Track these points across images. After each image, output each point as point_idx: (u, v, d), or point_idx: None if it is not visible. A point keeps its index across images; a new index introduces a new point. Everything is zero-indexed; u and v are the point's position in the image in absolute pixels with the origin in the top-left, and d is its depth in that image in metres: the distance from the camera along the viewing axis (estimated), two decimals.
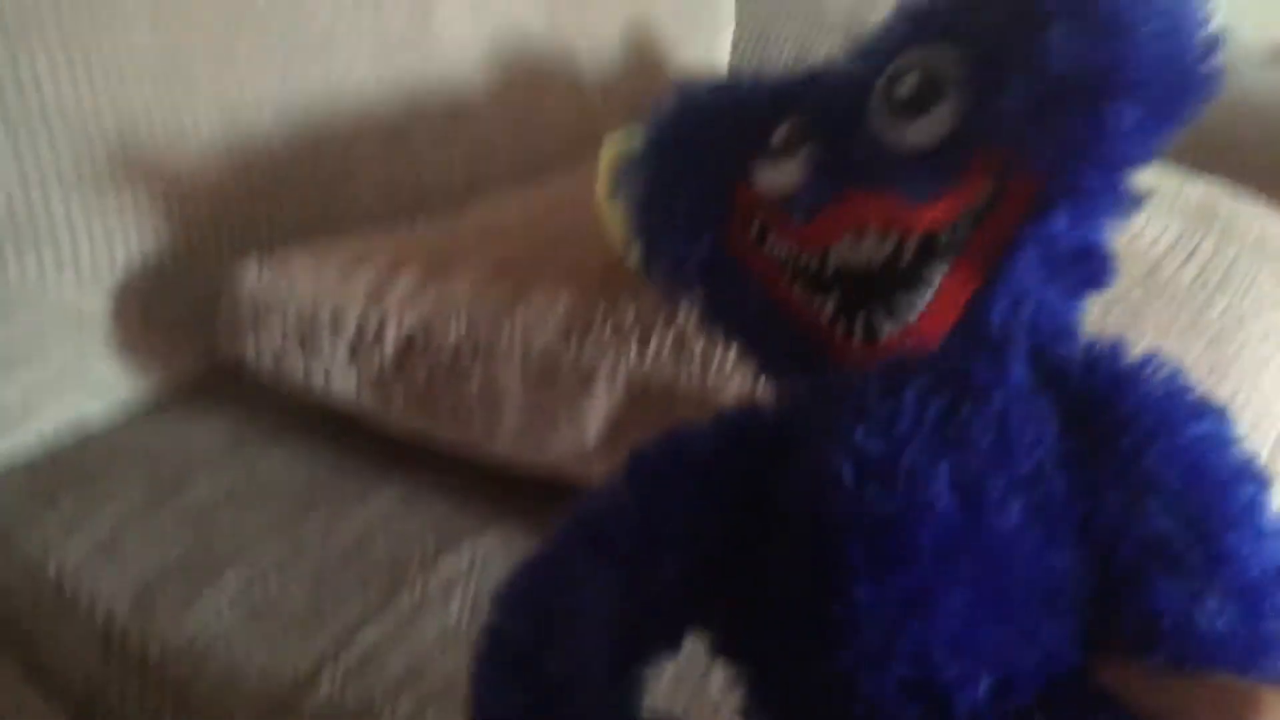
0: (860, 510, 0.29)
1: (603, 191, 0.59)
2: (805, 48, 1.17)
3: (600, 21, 1.01)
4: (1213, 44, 0.29)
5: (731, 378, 0.56)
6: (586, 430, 0.60)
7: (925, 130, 0.31)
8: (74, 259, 0.66)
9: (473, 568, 0.60)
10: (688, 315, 0.59)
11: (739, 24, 1.20)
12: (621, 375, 0.58)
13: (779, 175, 0.34)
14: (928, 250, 0.32)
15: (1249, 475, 0.31)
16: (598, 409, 0.59)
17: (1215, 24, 0.29)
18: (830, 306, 0.33)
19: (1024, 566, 0.29)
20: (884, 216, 0.32)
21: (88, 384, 0.69)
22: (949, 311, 0.32)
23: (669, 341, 0.58)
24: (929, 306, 0.32)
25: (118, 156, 0.67)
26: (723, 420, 0.36)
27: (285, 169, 0.76)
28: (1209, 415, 0.32)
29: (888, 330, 0.32)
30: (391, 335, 0.62)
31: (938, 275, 0.32)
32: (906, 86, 0.31)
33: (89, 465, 0.66)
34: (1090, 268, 0.32)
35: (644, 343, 0.58)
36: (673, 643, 0.35)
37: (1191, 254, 0.66)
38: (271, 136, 0.75)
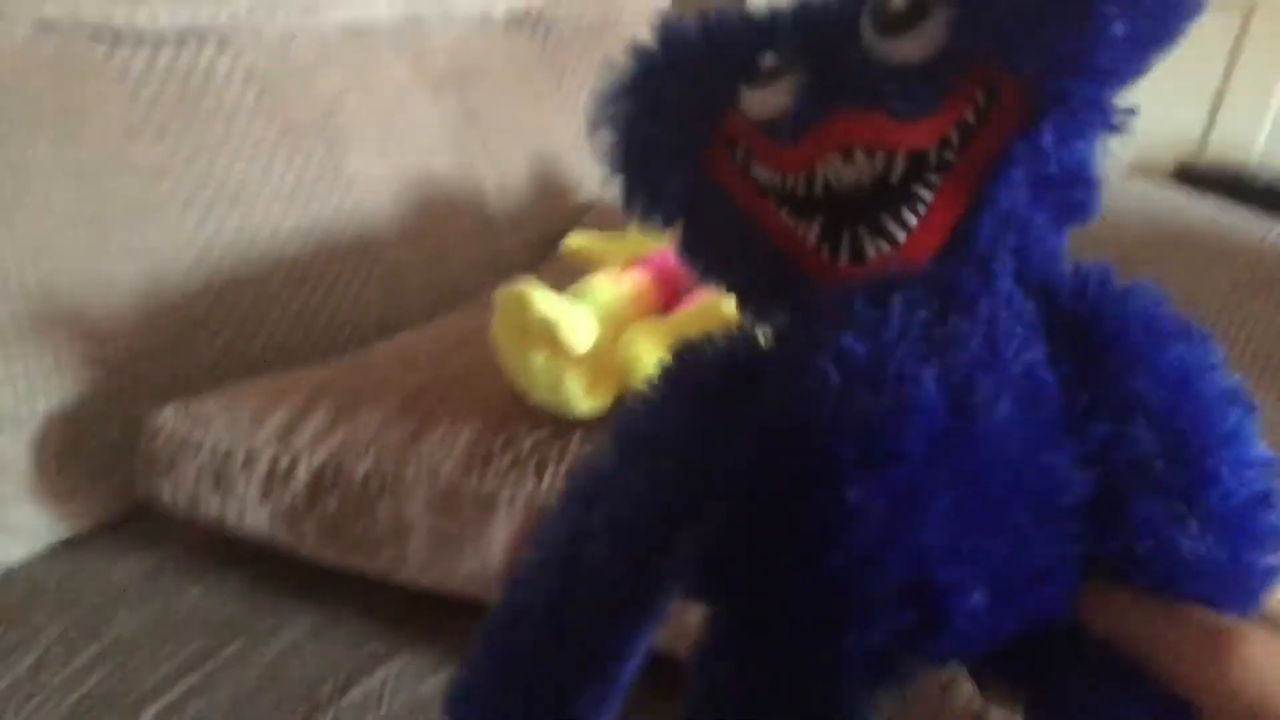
0: (847, 413, 0.29)
1: (497, 329, 0.63)
2: None
3: (505, 157, 1.07)
4: None
5: None
6: (490, 555, 0.63)
7: (914, 46, 0.31)
8: None
9: (384, 690, 0.63)
10: (580, 443, 0.63)
11: None
12: (520, 502, 0.62)
13: (765, 100, 0.33)
14: (917, 169, 0.31)
15: (1236, 398, 0.31)
16: (499, 535, 0.63)
17: None
18: (816, 229, 0.33)
19: (1014, 465, 0.29)
20: (872, 135, 0.31)
21: (8, 528, 0.71)
22: (937, 232, 0.32)
23: (563, 470, 0.62)
24: (917, 226, 0.31)
25: (39, 309, 0.70)
26: (716, 346, 0.35)
27: (201, 313, 0.79)
28: (1196, 338, 0.31)
29: (874, 251, 0.32)
30: (302, 472, 0.65)
31: (927, 194, 0.31)
32: (895, 2, 0.31)
33: (9, 604, 0.68)
34: (1077, 192, 0.32)
35: (540, 472, 0.62)
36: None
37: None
38: (188, 283, 0.79)
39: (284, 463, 0.65)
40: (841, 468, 0.28)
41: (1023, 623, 0.29)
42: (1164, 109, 1.46)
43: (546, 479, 0.62)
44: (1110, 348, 0.31)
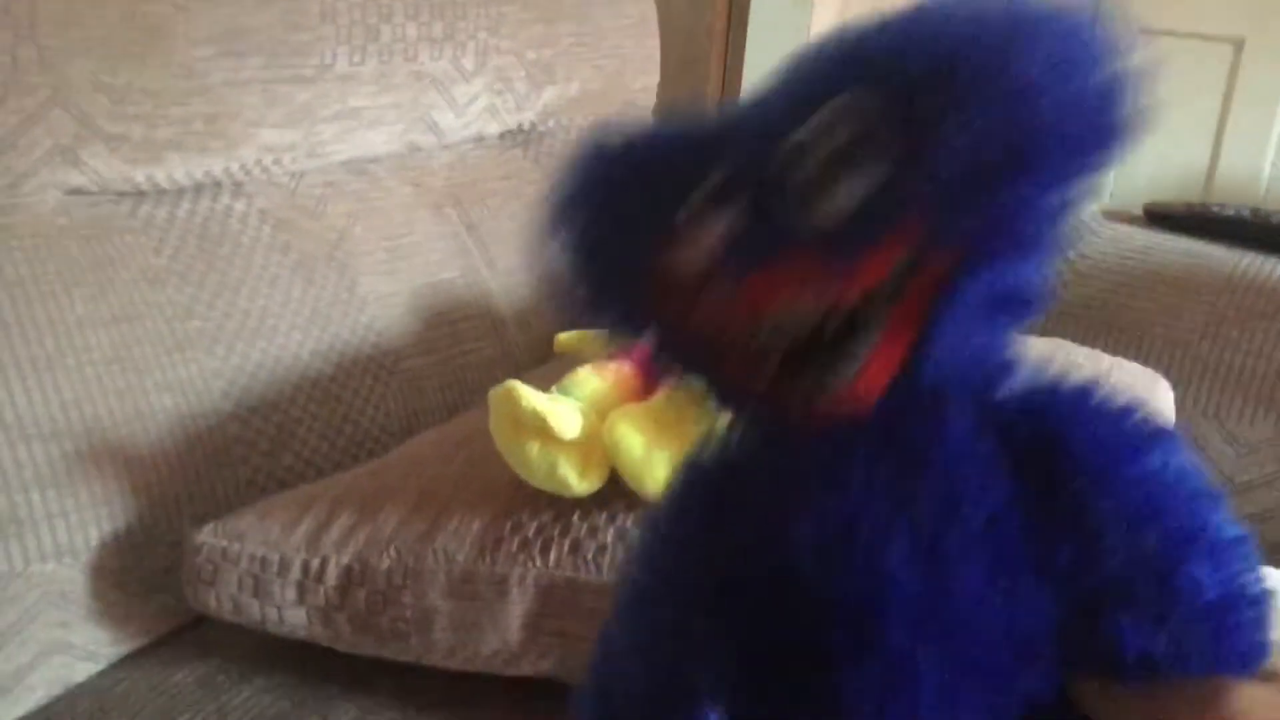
0: (826, 599, 0.30)
1: (493, 424, 0.70)
2: None
3: (507, 263, 1.14)
4: (1118, 90, 0.29)
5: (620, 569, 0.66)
6: (509, 633, 0.69)
7: (843, 197, 0.29)
8: (54, 545, 0.76)
9: None
10: (581, 518, 0.69)
11: None
12: (530, 580, 0.68)
13: (698, 243, 0.31)
14: (863, 309, 0.31)
15: (1202, 498, 0.31)
16: (515, 612, 0.68)
17: (1116, 67, 0.29)
18: (768, 372, 0.32)
19: (992, 624, 0.30)
20: (813, 279, 0.30)
21: (73, 649, 0.77)
22: (887, 367, 0.31)
23: (566, 547, 0.68)
24: (866, 364, 0.31)
25: (85, 448, 0.78)
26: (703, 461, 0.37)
27: (233, 437, 0.86)
28: (1156, 444, 0.31)
29: (827, 391, 0.31)
30: (331, 572, 0.71)
31: (874, 333, 0.31)
32: (819, 155, 0.29)
33: (78, 718, 0.74)
34: (1022, 305, 0.32)
35: (545, 550, 0.68)
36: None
37: None
38: (219, 411, 0.86)
39: (314, 565, 0.72)
40: (831, 652, 0.30)
41: None
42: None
43: (552, 556, 0.68)
44: (1075, 471, 0.31)
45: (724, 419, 0.37)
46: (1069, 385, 0.33)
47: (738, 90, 1.98)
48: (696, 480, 0.37)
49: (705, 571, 0.35)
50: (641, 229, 0.32)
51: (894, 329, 0.31)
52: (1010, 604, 0.30)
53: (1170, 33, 1.65)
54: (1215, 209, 1.12)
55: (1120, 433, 0.32)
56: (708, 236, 0.31)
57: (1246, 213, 1.09)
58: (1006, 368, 0.33)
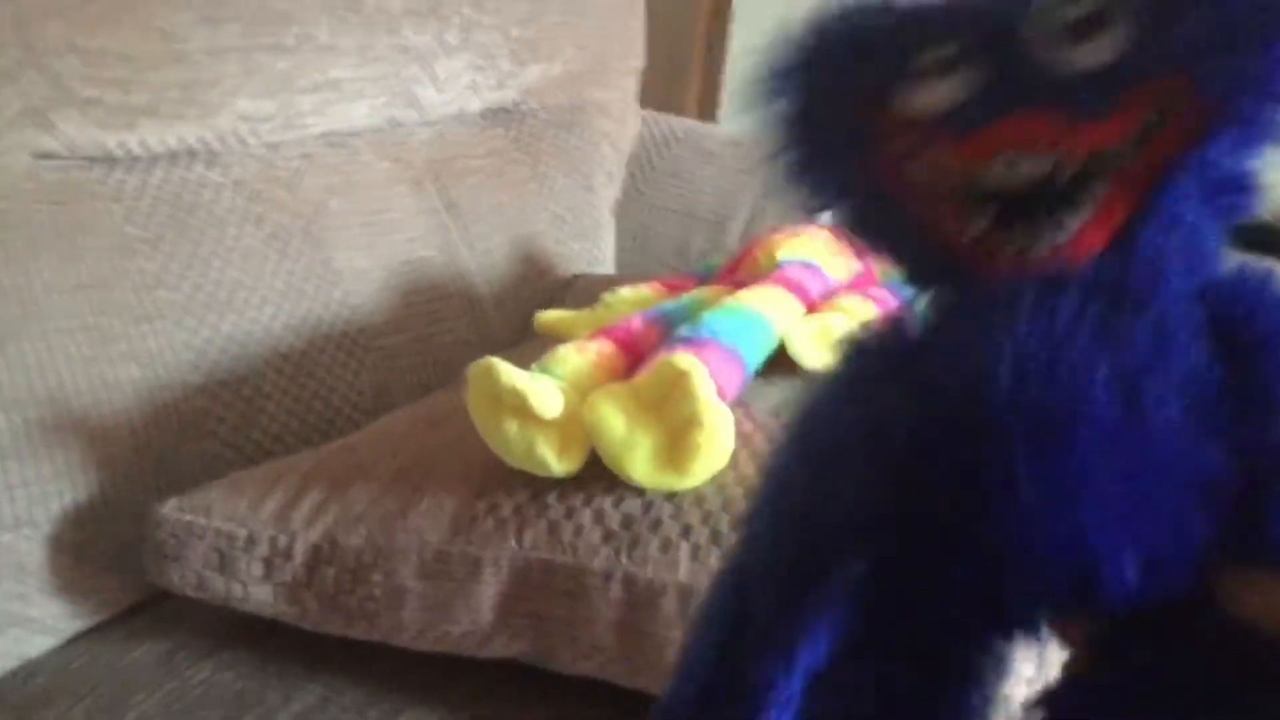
0: (1020, 403, 0.29)
1: (471, 402, 0.68)
2: (684, 243, 1.30)
3: (486, 242, 1.12)
4: None
5: (598, 551, 0.65)
6: (481, 614, 0.67)
7: (1093, 54, 0.31)
8: (13, 516, 0.74)
9: None
10: (558, 499, 0.68)
11: (619, 228, 1.32)
12: (505, 561, 0.66)
13: (932, 95, 0.33)
14: (1087, 171, 0.31)
15: None
16: (488, 593, 0.67)
17: None
18: (981, 225, 0.33)
19: (1179, 463, 0.29)
20: (1044, 136, 0.31)
21: (31, 622, 0.75)
22: (1103, 232, 0.32)
23: (543, 528, 0.66)
24: (1084, 225, 0.31)
25: (48, 417, 0.75)
26: (875, 335, 0.36)
27: (201, 410, 0.84)
28: None
29: (1038, 250, 0.32)
30: (300, 549, 0.69)
31: (1097, 195, 0.31)
32: (1077, 10, 0.31)
33: (34, 694, 0.72)
34: (1241, 195, 0.32)
35: (521, 531, 0.67)
36: None
37: None
38: (187, 383, 0.84)
39: (282, 541, 0.70)
40: (1012, 451, 0.29)
41: (1161, 596, 0.30)
42: None
43: (527, 538, 0.66)
44: (1260, 352, 0.31)
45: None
46: (1275, 277, 0.33)
47: (722, 74, 1.97)
48: (869, 355, 0.36)
49: (871, 426, 0.33)
50: (864, 87, 0.33)
51: (1116, 195, 0.31)
52: (1199, 457, 0.30)
53: None
54: None
55: None
56: (949, 82, 0.32)
57: None
58: (1215, 253, 0.33)
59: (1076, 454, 0.29)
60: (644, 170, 1.35)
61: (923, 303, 0.35)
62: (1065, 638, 0.33)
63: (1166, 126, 0.31)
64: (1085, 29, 0.30)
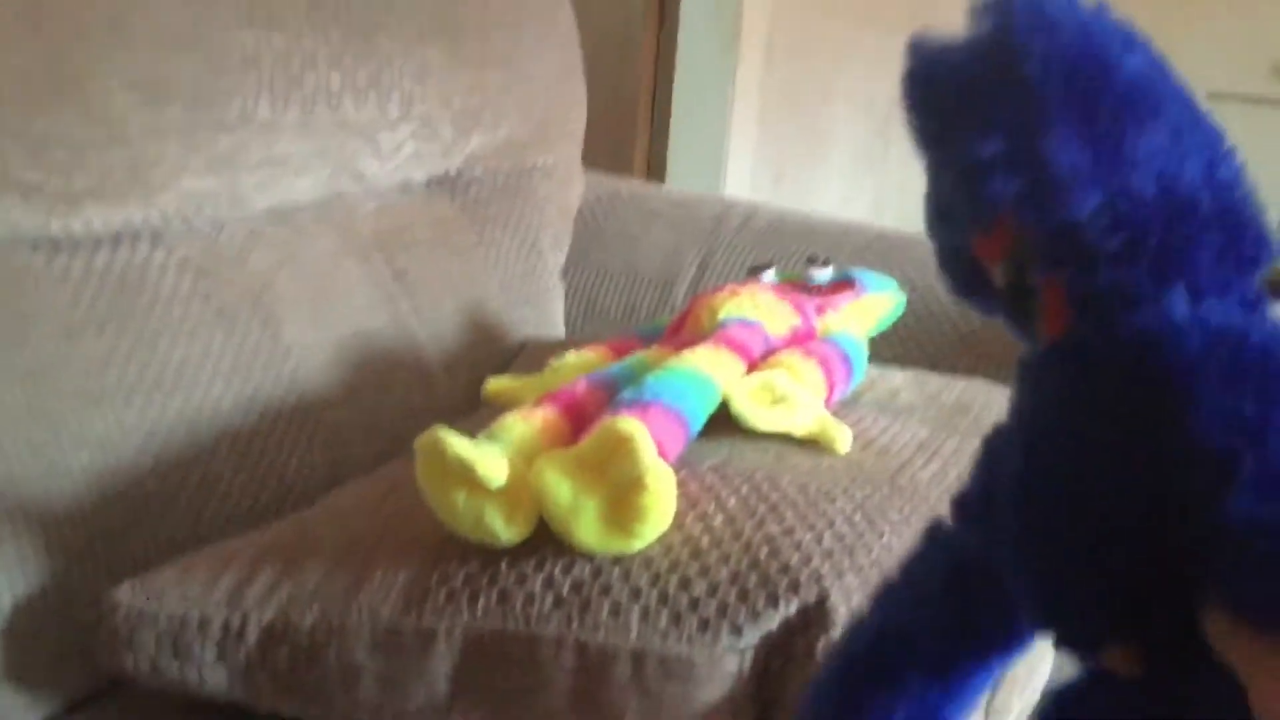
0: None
1: (420, 473, 0.69)
2: (632, 304, 1.31)
3: (435, 310, 1.13)
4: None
5: (549, 618, 0.65)
6: (436, 688, 0.67)
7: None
8: None
9: None
10: (509, 566, 0.68)
11: (568, 291, 1.34)
12: (458, 633, 0.67)
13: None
14: (1018, 267, 0.38)
15: None
16: (442, 666, 0.67)
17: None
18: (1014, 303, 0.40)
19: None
20: (986, 250, 0.39)
21: None
22: (1058, 314, 0.37)
23: (494, 597, 0.67)
24: (1043, 309, 0.37)
25: None
26: None
27: (152, 492, 0.84)
28: None
29: (1039, 332, 0.38)
30: (253, 630, 0.69)
31: (1036, 287, 0.37)
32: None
33: None
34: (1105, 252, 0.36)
35: (473, 601, 0.67)
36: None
37: (934, 453, 0.78)
38: (138, 465, 0.84)
39: (235, 622, 0.70)
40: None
41: None
42: None
43: (479, 607, 0.67)
44: (1177, 388, 0.33)
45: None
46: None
47: (665, 135, 2.00)
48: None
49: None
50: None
51: (1043, 283, 0.37)
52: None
53: None
54: None
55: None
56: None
57: None
58: (1147, 305, 0.36)
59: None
60: (590, 232, 1.37)
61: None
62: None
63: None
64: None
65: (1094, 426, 0.34)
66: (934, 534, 0.45)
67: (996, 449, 0.40)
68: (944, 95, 0.37)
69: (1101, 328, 0.35)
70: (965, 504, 0.43)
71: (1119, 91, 0.35)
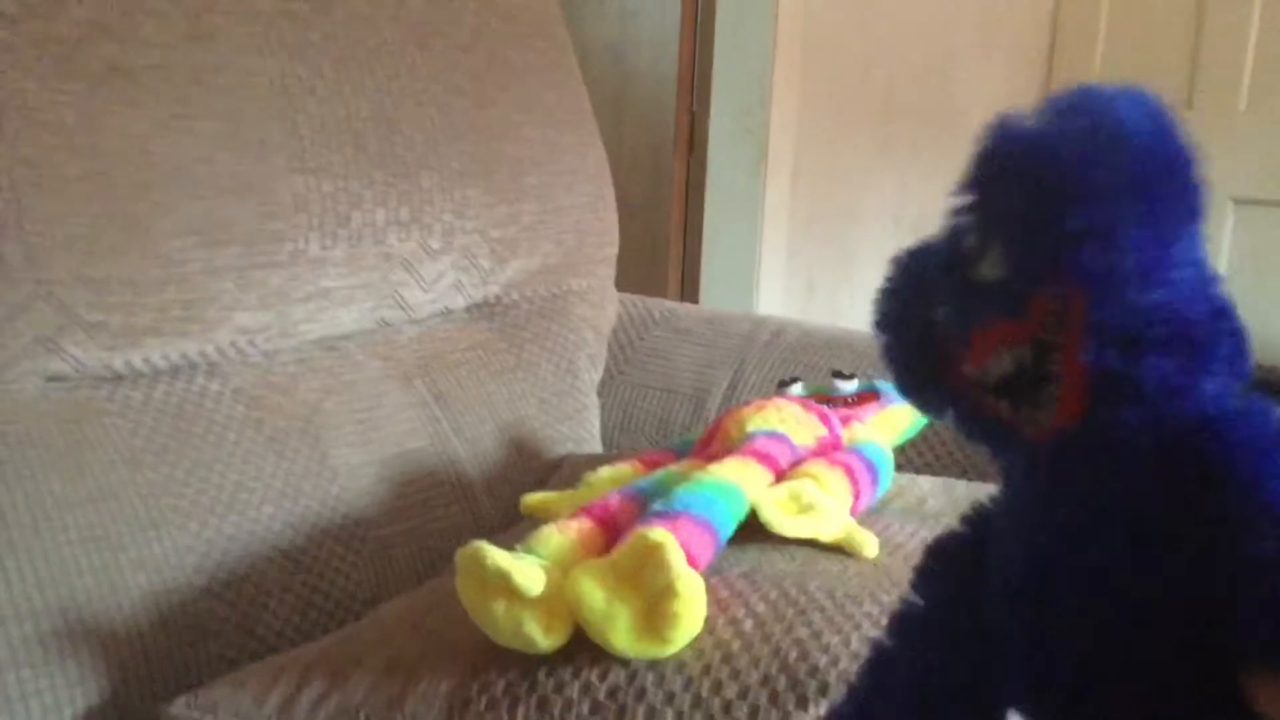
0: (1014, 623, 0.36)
1: (460, 585, 0.72)
2: (666, 418, 1.35)
3: (476, 428, 1.18)
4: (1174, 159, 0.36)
5: None
6: None
7: (990, 271, 0.39)
8: None
9: None
10: (547, 675, 0.71)
11: (604, 407, 1.38)
12: None
13: (942, 321, 0.42)
14: (1040, 352, 0.38)
15: None
16: None
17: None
18: (1005, 406, 0.40)
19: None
20: (1000, 338, 0.39)
21: None
22: (1075, 399, 0.37)
23: (534, 704, 0.69)
24: (1058, 400, 0.37)
25: (60, 626, 0.79)
26: (957, 532, 0.44)
27: (206, 610, 0.88)
28: None
29: (1043, 420, 0.38)
30: None
31: (1054, 370, 0.38)
32: (970, 241, 0.39)
33: None
34: (1184, 341, 0.37)
35: (513, 708, 0.70)
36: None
37: None
38: (193, 585, 0.88)
39: None
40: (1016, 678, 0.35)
41: None
42: None
43: (520, 713, 0.69)
44: (1216, 473, 0.34)
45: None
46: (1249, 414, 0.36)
47: (698, 256, 2.06)
48: (955, 546, 0.44)
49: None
50: (926, 315, 0.43)
51: (1068, 368, 0.37)
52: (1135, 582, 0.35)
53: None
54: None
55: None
56: (944, 316, 0.41)
57: None
58: (1185, 394, 0.37)
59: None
60: (625, 351, 1.42)
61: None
62: None
63: (1068, 312, 0.37)
64: (977, 255, 0.39)
65: (1127, 509, 0.36)
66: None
67: (968, 553, 0.42)
68: (1038, 171, 0.37)
69: (1134, 414, 0.36)
70: (909, 619, 0.44)
71: (1191, 191, 0.36)
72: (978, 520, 0.44)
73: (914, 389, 0.45)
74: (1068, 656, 0.37)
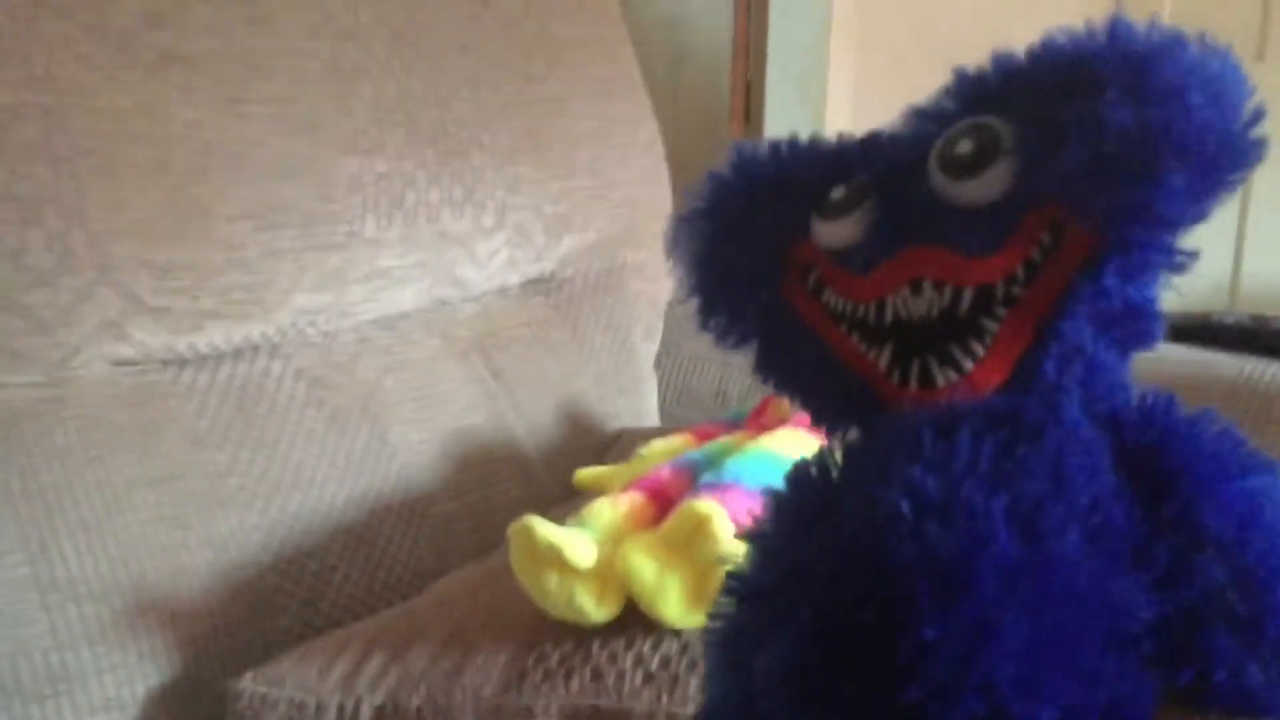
0: (921, 549, 0.30)
1: (514, 560, 0.73)
2: (723, 389, 1.35)
3: (533, 403, 1.19)
4: (1257, 114, 0.31)
5: (640, 694, 0.68)
6: None
7: (981, 189, 0.32)
8: (103, 699, 0.79)
9: None
10: (600, 646, 0.71)
11: (661, 380, 1.38)
12: (555, 709, 0.70)
13: (837, 231, 0.35)
14: (984, 302, 0.33)
15: None
16: None
17: (1257, 97, 0.31)
18: (886, 356, 0.35)
19: (1083, 594, 0.29)
20: (940, 270, 0.33)
21: None
22: (1003, 363, 0.33)
23: (588, 675, 0.71)
24: (983, 358, 0.33)
25: (132, 604, 0.82)
26: (803, 470, 0.39)
27: (271, 588, 0.90)
28: (1260, 469, 0.33)
29: (943, 380, 0.33)
30: (365, 713, 0.74)
31: (993, 327, 0.33)
32: (963, 148, 0.33)
33: None
34: (1140, 325, 0.33)
35: (568, 679, 0.71)
36: None
37: None
38: (259, 562, 0.90)
39: (349, 706, 0.74)
40: (917, 605, 0.29)
41: None
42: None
43: (575, 685, 0.70)
44: (1178, 479, 0.32)
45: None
46: (1183, 407, 0.34)
47: None
48: (795, 491, 0.39)
49: (789, 563, 0.36)
50: (775, 222, 0.36)
51: (1011, 329, 0.33)
52: (1103, 581, 0.30)
53: None
54: (1216, 317, 1.14)
55: (1228, 452, 0.33)
56: (854, 218, 0.35)
57: (1248, 320, 1.12)
58: (1121, 385, 0.35)
59: (980, 596, 0.29)
60: (681, 323, 1.42)
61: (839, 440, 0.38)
62: None
63: (1058, 258, 0.33)
64: (972, 165, 0.33)
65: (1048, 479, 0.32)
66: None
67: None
68: (1091, 69, 0.32)
69: (1075, 393, 0.33)
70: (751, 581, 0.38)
71: (1231, 184, 0.32)
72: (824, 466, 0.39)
73: (726, 303, 0.38)
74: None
